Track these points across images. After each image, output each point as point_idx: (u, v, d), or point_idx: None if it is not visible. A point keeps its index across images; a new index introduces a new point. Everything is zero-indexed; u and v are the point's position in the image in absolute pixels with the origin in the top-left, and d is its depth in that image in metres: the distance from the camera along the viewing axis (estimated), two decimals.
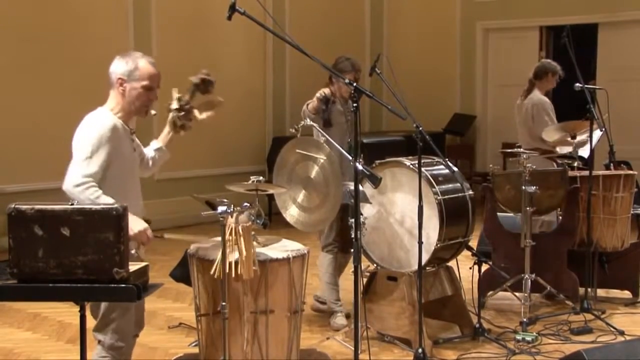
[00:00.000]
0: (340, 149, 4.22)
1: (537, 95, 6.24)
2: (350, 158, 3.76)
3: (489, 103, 11.01)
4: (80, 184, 3.28)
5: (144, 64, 3.48)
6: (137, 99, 3.49)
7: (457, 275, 5.05)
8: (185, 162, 8.51)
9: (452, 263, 5.03)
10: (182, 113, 3.75)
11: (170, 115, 3.78)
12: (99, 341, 3.48)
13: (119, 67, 3.48)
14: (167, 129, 3.83)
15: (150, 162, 3.83)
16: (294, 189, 4.29)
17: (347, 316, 5.27)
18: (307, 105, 5.07)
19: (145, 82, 3.47)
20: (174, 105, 3.75)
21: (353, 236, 3.49)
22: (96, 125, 3.40)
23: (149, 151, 3.83)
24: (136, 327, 3.62)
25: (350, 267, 5.50)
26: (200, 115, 3.79)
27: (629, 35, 9.70)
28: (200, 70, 3.83)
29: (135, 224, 3.28)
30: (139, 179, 3.68)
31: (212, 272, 3.52)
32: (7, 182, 7.54)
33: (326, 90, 5.07)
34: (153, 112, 3.58)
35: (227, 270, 3.49)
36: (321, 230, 5.20)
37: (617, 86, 8.48)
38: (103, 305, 3.43)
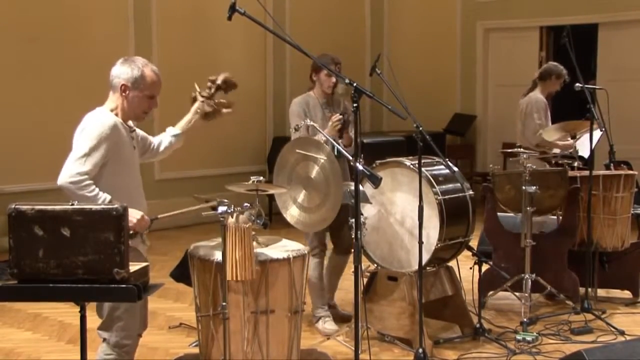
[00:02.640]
0: (341, 149, 4.21)
1: (535, 94, 6.24)
2: (351, 158, 3.76)
3: (490, 103, 11.01)
4: (77, 181, 3.30)
5: (149, 73, 3.51)
6: (138, 106, 3.53)
7: (458, 275, 5.05)
8: (185, 162, 8.51)
9: (452, 263, 5.03)
10: (211, 102, 3.85)
11: (199, 102, 3.87)
12: (104, 339, 3.50)
13: (123, 73, 3.49)
14: (189, 116, 3.90)
15: (162, 147, 3.88)
16: (294, 189, 4.29)
17: (349, 317, 5.27)
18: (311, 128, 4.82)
19: (148, 92, 3.51)
20: (205, 92, 3.81)
21: (353, 236, 3.49)
22: (96, 123, 3.41)
23: (165, 137, 3.89)
24: (140, 326, 3.63)
25: (350, 267, 5.51)
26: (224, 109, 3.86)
27: (629, 35, 9.70)
28: (222, 73, 3.96)
29: (132, 214, 3.29)
30: (140, 176, 3.69)
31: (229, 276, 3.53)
32: (7, 182, 7.54)
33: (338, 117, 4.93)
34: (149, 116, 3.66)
35: (227, 271, 3.50)
36: (306, 234, 5.09)
37: (617, 86, 8.47)
38: (108, 303, 3.44)
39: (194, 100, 3.89)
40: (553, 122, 6.24)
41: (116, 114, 3.51)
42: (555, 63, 6.40)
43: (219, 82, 3.87)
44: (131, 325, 3.51)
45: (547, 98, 6.34)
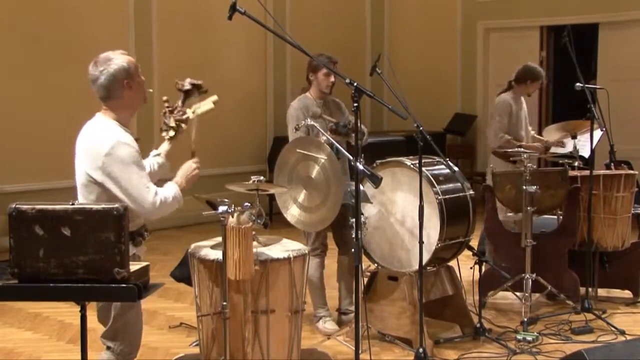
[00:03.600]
0: (341, 148, 4.21)
1: (503, 96, 6.15)
2: (351, 158, 3.76)
3: (490, 103, 10.97)
4: (160, 204, 3.35)
5: (127, 58, 3.47)
6: (142, 89, 3.50)
7: (458, 275, 5.05)
8: (185, 161, 8.49)
9: (452, 263, 5.03)
10: (172, 114, 3.74)
11: (162, 121, 3.78)
12: (108, 347, 3.49)
13: (119, 72, 3.40)
14: (166, 146, 3.82)
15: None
16: (294, 189, 4.29)
17: (345, 314, 5.27)
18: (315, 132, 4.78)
19: (139, 72, 3.49)
20: (163, 110, 3.77)
21: (354, 236, 3.49)
22: (121, 146, 3.31)
23: (149, 159, 3.78)
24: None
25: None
26: (193, 112, 3.77)
27: (630, 35, 9.69)
28: (183, 79, 3.84)
29: (187, 172, 3.57)
30: None
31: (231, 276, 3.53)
32: (7, 182, 7.54)
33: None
34: (150, 90, 3.61)
35: (228, 271, 3.50)
36: (308, 234, 5.08)
37: (618, 86, 8.47)
38: (113, 311, 3.42)
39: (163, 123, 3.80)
40: (554, 122, 6.24)
41: (121, 119, 3.43)
42: (533, 65, 6.28)
43: (186, 86, 3.81)
44: (136, 336, 3.52)
45: (529, 95, 6.32)
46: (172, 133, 3.74)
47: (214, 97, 3.81)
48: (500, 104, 6.13)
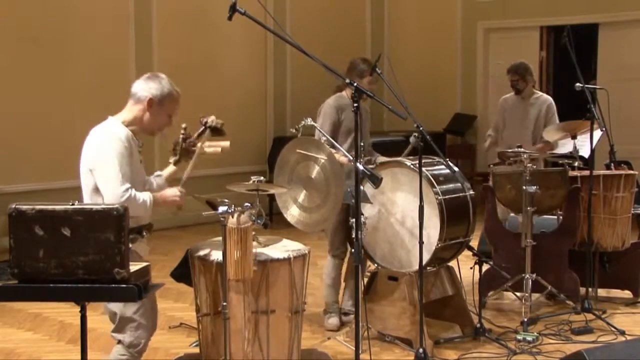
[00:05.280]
0: (342, 149, 4.21)
1: (505, 95, 6.53)
2: (351, 158, 3.76)
3: (490, 103, 10.98)
4: (127, 199, 3.36)
5: (176, 93, 3.60)
6: (158, 122, 3.61)
7: (458, 275, 5.05)
8: (185, 162, 8.50)
9: (453, 263, 5.03)
10: (185, 142, 3.87)
11: (173, 143, 3.91)
12: (119, 341, 3.53)
13: (153, 88, 3.54)
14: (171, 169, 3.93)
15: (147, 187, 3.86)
16: (294, 189, 4.29)
17: (346, 314, 5.27)
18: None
19: (171, 111, 3.61)
20: (182, 136, 3.89)
21: (354, 236, 3.49)
22: (111, 139, 3.44)
23: (151, 178, 3.88)
24: (151, 327, 3.64)
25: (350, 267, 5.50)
26: (205, 149, 3.86)
27: (630, 35, 9.70)
28: (209, 115, 3.95)
29: (168, 193, 3.62)
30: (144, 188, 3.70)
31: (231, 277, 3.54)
32: (7, 182, 7.54)
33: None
34: (165, 134, 3.79)
35: (228, 271, 3.50)
36: (329, 235, 5.19)
37: (618, 86, 8.47)
38: (120, 307, 3.46)
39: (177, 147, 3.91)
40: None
41: (129, 125, 3.54)
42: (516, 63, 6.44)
43: (209, 123, 3.90)
44: (144, 325, 3.54)
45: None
46: (176, 158, 3.89)
47: (226, 143, 3.93)
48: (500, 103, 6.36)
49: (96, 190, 3.44)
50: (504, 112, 6.50)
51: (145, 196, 3.48)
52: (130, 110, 3.58)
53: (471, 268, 4.95)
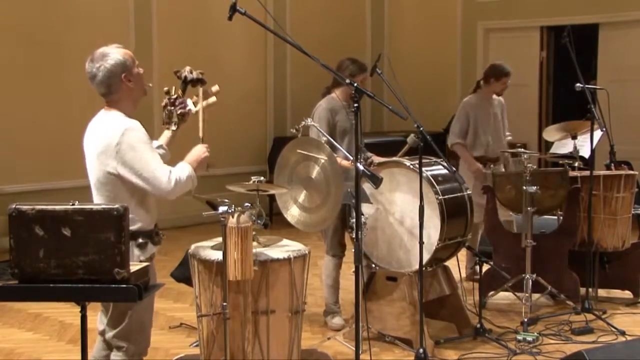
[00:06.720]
0: (342, 149, 4.21)
1: (467, 98, 6.31)
2: (351, 158, 3.76)
3: None
4: (171, 181, 3.32)
5: (121, 51, 3.44)
6: (140, 81, 3.47)
7: (458, 275, 5.05)
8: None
9: (453, 263, 5.03)
10: (175, 106, 3.71)
11: (163, 113, 3.76)
12: (120, 347, 3.45)
13: (116, 66, 3.38)
14: (165, 132, 3.80)
15: None
16: (295, 189, 4.29)
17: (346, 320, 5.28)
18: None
19: (136, 64, 3.46)
20: (164, 102, 3.74)
21: (354, 236, 3.49)
22: (133, 132, 3.33)
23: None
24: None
25: (350, 267, 5.51)
26: (196, 105, 3.76)
27: (630, 35, 9.69)
28: (182, 66, 3.81)
29: (197, 153, 3.52)
30: None
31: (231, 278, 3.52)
32: (7, 182, 7.54)
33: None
34: (150, 84, 3.59)
35: (228, 271, 3.50)
36: (325, 235, 5.20)
37: (618, 86, 8.47)
38: (129, 312, 3.40)
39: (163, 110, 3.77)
40: (554, 123, 6.25)
41: (123, 112, 3.42)
42: (498, 63, 6.29)
43: (187, 75, 3.77)
44: (147, 337, 3.52)
45: (499, 94, 6.34)
46: (174, 127, 3.74)
47: (216, 87, 3.80)
48: (461, 106, 6.26)
49: (106, 179, 3.33)
50: (470, 114, 6.21)
51: (184, 170, 3.41)
52: (115, 104, 3.42)
53: (471, 268, 4.95)
